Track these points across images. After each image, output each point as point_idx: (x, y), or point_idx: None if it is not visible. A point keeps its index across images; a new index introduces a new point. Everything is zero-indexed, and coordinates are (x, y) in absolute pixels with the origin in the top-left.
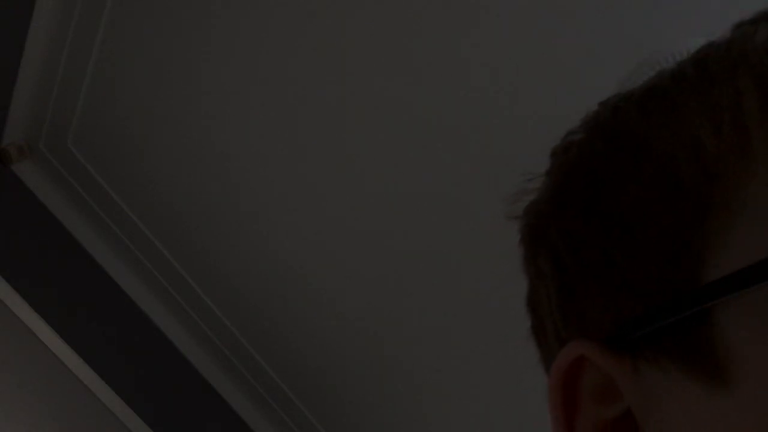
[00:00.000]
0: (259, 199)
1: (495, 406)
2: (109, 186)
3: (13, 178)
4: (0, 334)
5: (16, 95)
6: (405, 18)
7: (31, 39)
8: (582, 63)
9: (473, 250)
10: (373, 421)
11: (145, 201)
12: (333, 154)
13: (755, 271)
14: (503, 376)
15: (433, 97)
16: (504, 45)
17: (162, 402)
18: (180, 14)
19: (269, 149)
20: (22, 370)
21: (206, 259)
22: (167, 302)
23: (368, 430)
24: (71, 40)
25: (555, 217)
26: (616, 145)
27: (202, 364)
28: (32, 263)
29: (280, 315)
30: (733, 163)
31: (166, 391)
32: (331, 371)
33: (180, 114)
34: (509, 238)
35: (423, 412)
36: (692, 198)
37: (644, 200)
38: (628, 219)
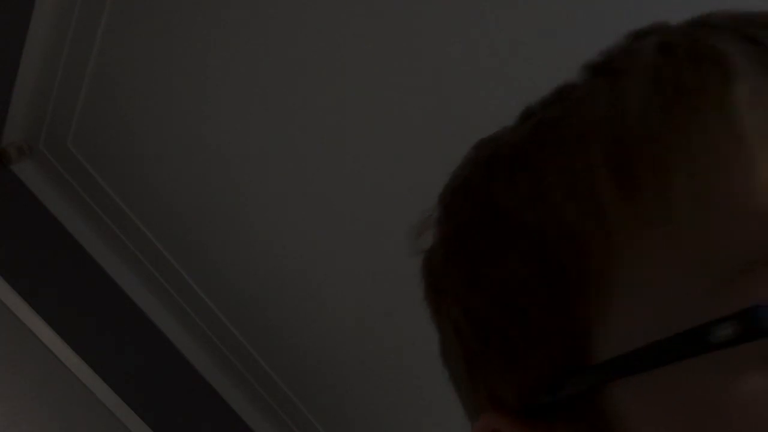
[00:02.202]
0: (259, 200)
1: None
2: (109, 186)
3: (13, 178)
4: None
5: (16, 95)
6: (405, 18)
7: (31, 39)
8: (581, 62)
9: None
10: (373, 421)
11: (145, 201)
12: (333, 154)
13: (628, 360)
14: None
15: (433, 98)
16: (504, 45)
17: (162, 402)
18: (179, 14)
19: (269, 149)
20: (21, 370)
21: (206, 259)
22: (167, 302)
23: (368, 430)
24: (71, 40)
25: (449, 281)
26: (490, 216)
27: (201, 364)
28: (32, 263)
29: (280, 315)
30: (598, 242)
31: (166, 391)
32: (331, 371)
33: (180, 114)
34: None
35: (423, 412)
36: (565, 274)
37: (523, 276)
38: (511, 294)
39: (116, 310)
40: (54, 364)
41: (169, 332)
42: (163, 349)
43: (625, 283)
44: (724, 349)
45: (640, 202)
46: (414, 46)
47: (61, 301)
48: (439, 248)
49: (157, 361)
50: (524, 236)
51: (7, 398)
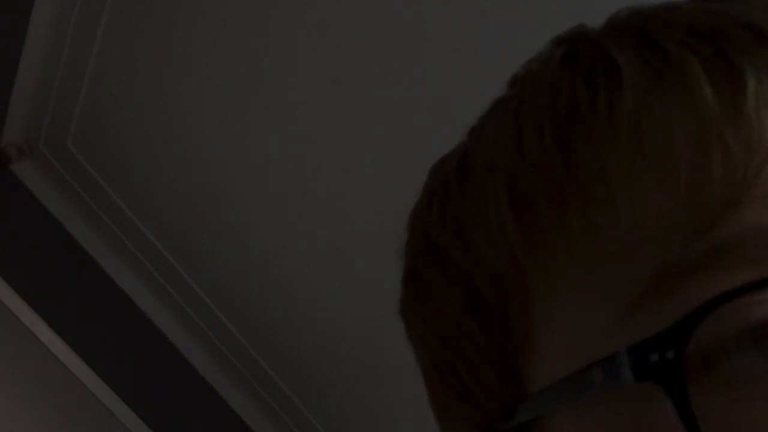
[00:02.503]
0: (260, 200)
1: None
2: (109, 186)
3: (13, 178)
4: None
5: (16, 95)
6: (405, 18)
7: (31, 38)
8: None
9: None
10: (374, 421)
11: (145, 201)
12: (333, 154)
13: (546, 394)
14: None
15: (434, 97)
16: (504, 44)
17: (162, 402)
18: (180, 15)
19: (270, 150)
20: (21, 370)
21: (206, 259)
22: (167, 302)
23: (368, 430)
24: (71, 39)
25: (411, 316)
26: (431, 255)
27: (201, 364)
28: (31, 264)
29: (280, 315)
30: (513, 278)
31: (165, 391)
32: (331, 371)
33: (180, 114)
34: None
35: (423, 412)
36: (493, 312)
37: (459, 316)
38: (454, 335)
39: (116, 310)
40: (53, 364)
41: (169, 332)
42: (163, 349)
43: (542, 315)
44: (604, 391)
45: (543, 236)
46: (415, 46)
47: (61, 301)
48: (402, 283)
49: (156, 361)
50: (456, 277)
51: (7, 398)
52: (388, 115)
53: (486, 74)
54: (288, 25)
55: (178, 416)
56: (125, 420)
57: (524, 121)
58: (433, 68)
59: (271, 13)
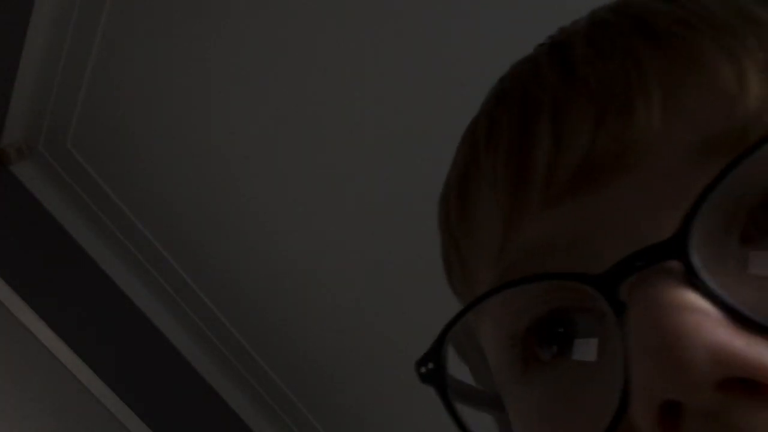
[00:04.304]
0: (260, 200)
1: None
2: (109, 187)
3: (12, 179)
4: None
5: (15, 96)
6: (406, 18)
7: (30, 39)
8: None
9: None
10: (373, 421)
11: (145, 202)
12: (334, 154)
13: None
14: None
15: (435, 97)
16: (505, 43)
17: (161, 402)
18: (179, 15)
19: (270, 150)
20: (20, 371)
21: (206, 260)
22: (167, 302)
23: (368, 430)
24: (70, 40)
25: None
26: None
27: (201, 364)
28: (31, 264)
29: (279, 315)
30: (460, 292)
31: (165, 391)
32: (331, 371)
33: (179, 114)
34: None
35: (423, 412)
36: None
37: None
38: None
39: (115, 311)
40: (53, 364)
41: (169, 332)
42: (162, 349)
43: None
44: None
45: (451, 280)
46: (416, 46)
47: (61, 302)
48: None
49: (156, 362)
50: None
51: (6, 398)
52: (389, 114)
53: (488, 73)
54: (288, 24)
55: (178, 416)
56: (125, 420)
57: (453, 163)
58: (435, 67)
59: (270, 12)
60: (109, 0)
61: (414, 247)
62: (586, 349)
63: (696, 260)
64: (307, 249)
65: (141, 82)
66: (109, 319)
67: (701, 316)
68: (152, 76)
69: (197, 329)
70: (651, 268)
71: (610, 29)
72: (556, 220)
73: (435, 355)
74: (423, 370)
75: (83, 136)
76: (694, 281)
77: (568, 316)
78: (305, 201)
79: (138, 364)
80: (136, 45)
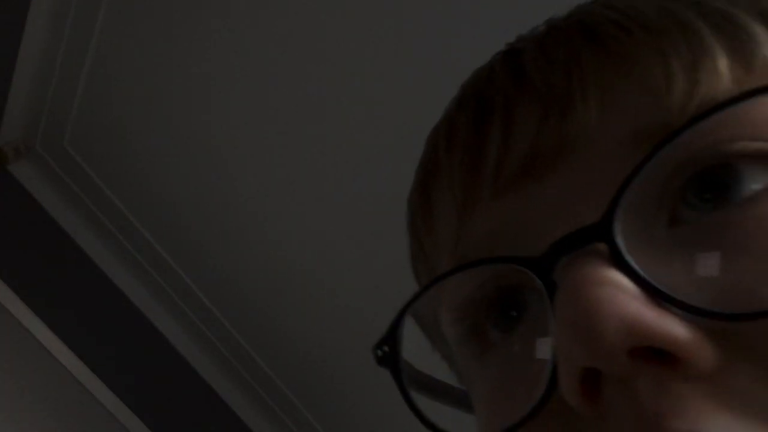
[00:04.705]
0: (258, 199)
1: None
2: (106, 186)
3: (10, 178)
4: None
5: (13, 95)
6: (407, 18)
7: (27, 38)
8: None
9: None
10: (373, 421)
11: (143, 201)
12: (334, 153)
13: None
14: None
15: (435, 97)
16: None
17: (161, 402)
18: (176, 13)
19: (268, 149)
20: (20, 371)
21: (205, 260)
22: (166, 303)
23: (368, 430)
24: (67, 39)
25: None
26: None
27: (201, 365)
28: (29, 264)
29: (280, 315)
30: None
31: (165, 391)
32: (331, 371)
33: (177, 113)
34: None
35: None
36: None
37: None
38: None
39: (114, 311)
40: (52, 364)
41: (168, 333)
42: (162, 349)
43: None
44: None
45: (419, 281)
46: (416, 46)
47: (60, 302)
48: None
49: (156, 362)
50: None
51: (6, 399)
52: (389, 113)
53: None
54: (288, 23)
55: (178, 416)
56: (124, 420)
57: (418, 168)
58: (436, 67)
59: (270, 12)
60: (105, 0)
61: None
62: (525, 330)
63: (620, 241)
64: (307, 249)
65: (139, 81)
66: (108, 319)
67: (618, 291)
68: (150, 75)
69: (197, 329)
70: (580, 250)
71: (560, 35)
72: (504, 209)
73: (390, 338)
74: (379, 353)
75: (81, 135)
76: (617, 261)
77: (522, 297)
78: (305, 201)
79: (137, 364)
80: (133, 45)
